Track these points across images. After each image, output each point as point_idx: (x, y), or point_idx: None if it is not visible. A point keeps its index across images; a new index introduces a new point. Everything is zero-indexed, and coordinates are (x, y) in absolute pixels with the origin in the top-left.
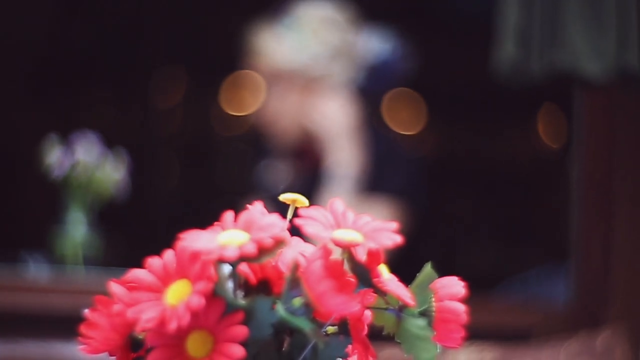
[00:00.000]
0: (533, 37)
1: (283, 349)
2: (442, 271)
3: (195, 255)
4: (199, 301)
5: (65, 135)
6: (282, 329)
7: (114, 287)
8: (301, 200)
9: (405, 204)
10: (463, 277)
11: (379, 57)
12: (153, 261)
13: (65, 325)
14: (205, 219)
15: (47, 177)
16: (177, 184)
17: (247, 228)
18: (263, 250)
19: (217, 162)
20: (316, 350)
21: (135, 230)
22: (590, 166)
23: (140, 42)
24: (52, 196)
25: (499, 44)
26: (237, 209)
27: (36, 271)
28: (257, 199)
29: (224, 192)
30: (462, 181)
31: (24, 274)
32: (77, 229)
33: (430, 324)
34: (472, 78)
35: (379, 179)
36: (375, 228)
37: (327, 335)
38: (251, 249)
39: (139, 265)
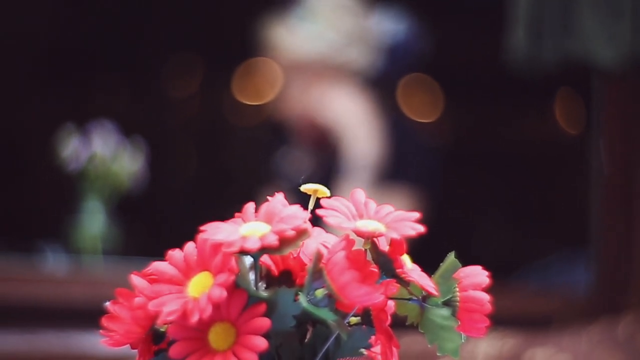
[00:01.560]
0: (545, 25)
1: (306, 341)
2: (461, 258)
3: (216, 247)
4: (220, 293)
5: (81, 124)
6: (305, 321)
7: (135, 279)
8: (323, 190)
9: (424, 191)
10: (482, 264)
11: (394, 38)
12: (174, 253)
13: (84, 316)
14: (223, 209)
15: (64, 168)
16: (193, 173)
17: (268, 219)
18: (285, 242)
19: (233, 150)
20: (339, 341)
21: (153, 220)
22: (611, 153)
23: (154, 30)
24: (69, 187)
25: (511, 32)
26: (255, 198)
27: (54, 262)
28: (275, 188)
29: (241, 181)
30: (479, 167)
31: (42, 265)
32: (94, 220)
33: (454, 313)
34: (487, 63)
35: (398, 167)
36: (397, 218)
37: (350, 326)
38: (273, 240)
39: (157, 256)
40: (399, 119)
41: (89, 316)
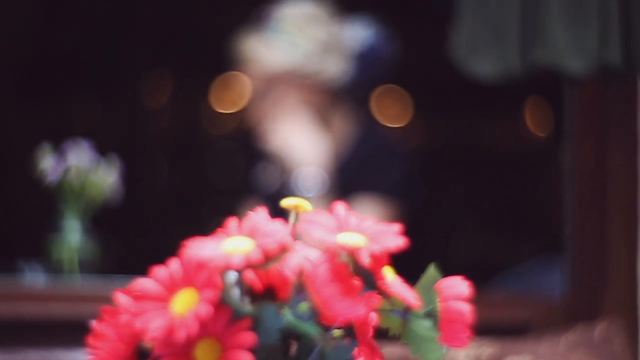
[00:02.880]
0: (513, 34)
1: (290, 354)
2: (436, 266)
3: (201, 264)
4: (207, 310)
5: (55, 139)
6: (289, 334)
7: (120, 296)
8: (304, 205)
9: (399, 199)
10: (456, 271)
11: (366, 44)
12: (158, 270)
13: (65, 333)
14: (201, 222)
15: (40, 185)
16: (169, 185)
17: (251, 234)
18: (269, 257)
19: (208, 162)
20: (323, 354)
21: (131, 234)
22: (583, 158)
23: (126, 44)
24: (46, 204)
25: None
26: (234, 211)
27: (33, 279)
28: (254, 201)
29: (216, 192)
30: (451, 174)
31: (22, 282)
32: (72, 236)
33: (435, 324)
34: (455, 69)
35: (373, 176)
36: (378, 230)
37: (333, 339)
38: (257, 256)
39: (135, 271)
40: (372, 127)
41: (69, 332)
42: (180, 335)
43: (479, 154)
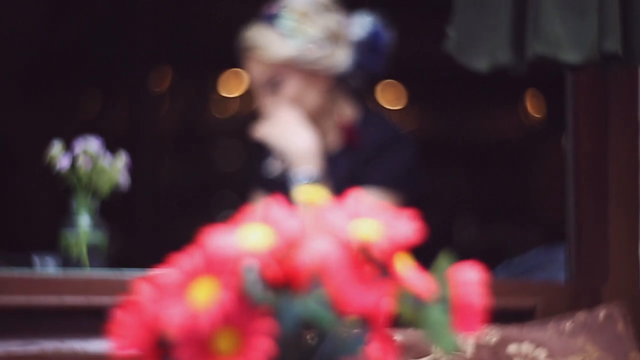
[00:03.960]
0: (507, 28)
1: (306, 341)
2: (447, 253)
3: (222, 254)
4: (229, 299)
5: (61, 132)
6: (304, 323)
7: (141, 285)
8: (319, 193)
9: (407, 187)
10: (459, 259)
11: (368, 32)
12: (177, 259)
13: (78, 322)
14: (208, 210)
15: (49, 179)
16: (174, 176)
17: (268, 223)
18: (287, 246)
19: (212, 151)
20: (337, 342)
21: (140, 225)
22: (584, 146)
23: (130, 38)
24: (55, 197)
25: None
26: (239, 199)
27: (46, 271)
28: (265, 192)
29: (223, 182)
30: (454, 164)
31: (35, 274)
32: (82, 229)
33: (448, 311)
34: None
35: (382, 164)
36: (392, 218)
37: (348, 326)
38: (276, 245)
39: (147, 260)
40: (378, 114)
41: (82, 321)
42: (202, 324)
43: (475, 143)
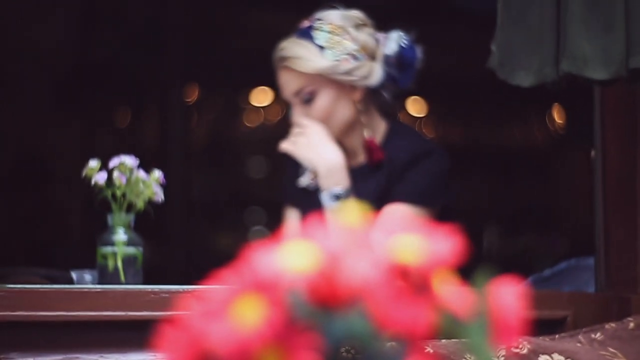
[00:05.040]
0: (548, 46)
1: (348, 358)
2: (487, 266)
3: (268, 272)
4: (276, 317)
5: (96, 147)
6: (346, 339)
7: (187, 301)
8: (356, 211)
9: (435, 201)
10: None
11: (400, 47)
12: (222, 275)
13: (116, 335)
14: (237, 224)
15: (86, 195)
16: (206, 190)
17: (310, 241)
18: (329, 264)
19: (242, 165)
20: (377, 356)
21: (172, 239)
22: (612, 159)
23: (161, 54)
24: (92, 214)
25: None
26: (268, 213)
27: (84, 286)
28: (291, 200)
29: (253, 195)
30: (482, 177)
31: (74, 289)
32: (118, 244)
33: (486, 325)
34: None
35: (411, 177)
36: (432, 234)
37: (387, 342)
38: (319, 263)
39: (180, 274)
40: (408, 128)
41: (119, 334)
42: (250, 341)
43: (499, 154)
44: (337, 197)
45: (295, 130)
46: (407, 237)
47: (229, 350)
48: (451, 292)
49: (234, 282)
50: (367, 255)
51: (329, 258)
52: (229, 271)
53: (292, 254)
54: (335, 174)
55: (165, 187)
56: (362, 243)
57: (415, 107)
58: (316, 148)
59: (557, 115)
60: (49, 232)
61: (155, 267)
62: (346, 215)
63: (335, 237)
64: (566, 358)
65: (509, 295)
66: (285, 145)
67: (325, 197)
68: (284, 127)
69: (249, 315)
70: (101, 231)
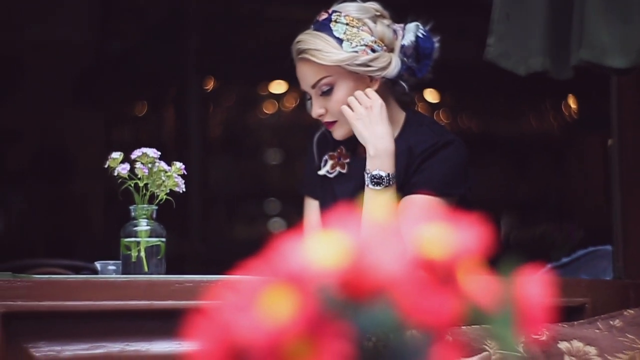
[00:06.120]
0: (564, 35)
1: (374, 349)
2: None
3: (297, 263)
4: (307, 309)
5: (115, 138)
6: (373, 330)
7: (217, 291)
8: (387, 201)
9: (454, 191)
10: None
11: (417, 38)
12: (250, 266)
13: (141, 324)
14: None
15: (108, 187)
16: (233, 188)
17: (338, 233)
18: (357, 256)
19: (260, 158)
20: (402, 347)
21: (197, 230)
22: (629, 148)
23: (178, 48)
24: (115, 205)
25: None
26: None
27: (109, 277)
28: (312, 189)
29: (269, 187)
30: (499, 165)
31: (99, 279)
32: (141, 234)
33: (512, 315)
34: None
35: (429, 168)
36: (460, 228)
37: (414, 334)
38: (348, 255)
39: (201, 264)
40: (426, 118)
41: (144, 324)
42: (281, 333)
43: (515, 143)
44: (379, 181)
45: (363, 103)
46: (433, 228)
47: (258, 341)
48: (477, 282)
49: (263, 273)
50: (393, 247)
51: (357, 250)
52: (256, 262)
53: (321, 246)
54: (383, 158)
55: (190, 177)
56: (389, 234)
57: (431, 96)
58: (373, 127)
59: (573, 104)
60: (70, 224)
61: (176, 257)
62: (379, 205)
63: (362, 229)
64: (585, 344)
65: (534, 284)
66: (348, 112)
67: (367, 179)
68: (299, 117)
69: (279, 307)
70: (122, 222)
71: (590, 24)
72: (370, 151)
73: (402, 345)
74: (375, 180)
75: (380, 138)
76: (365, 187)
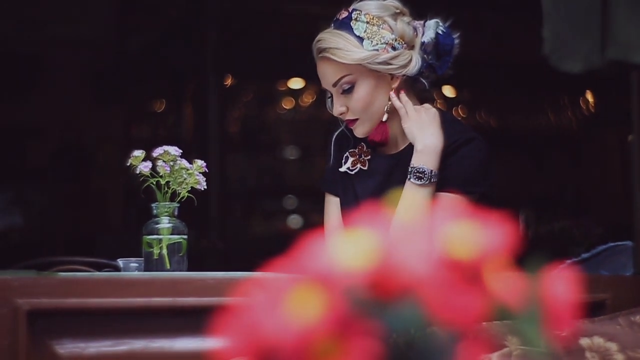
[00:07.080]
0: (595, 32)
1: (402, 348)
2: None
3: (326, 263)
4: (336, 308)
5: (135, 136)
6: (401, 329)
7: (246, 290)
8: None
9: (476, 188)
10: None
11: (437, 35)
12: (278, 265)
13: (164, 321)
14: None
15: (130, 185)
16: (249, 186)
17: (367, 232)
18: (384, 255)
19: (282, 154)
20: (429, 346)
21: (215, 227)
22: None
23: (196, 46)
24: (136, 203)
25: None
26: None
27: (132, 274)
28: (333, 186)
29: (288, 183)
30: (517, 162)
31: (122, 277)
32: (163, 232)
33: (539, 313)
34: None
35: (451, 166)
36: (485, 226)
37: (440, 333)
38: (376, 254)
39: (222, 261)
40: (447, 116)
41: (168, 321)
42: (310, 332)
43: (531, 139)
44: (421, 176)
45: (418, 108)
46: (458, 226)
47: (287, 341)
48: (503, 281)
49: (290, 271)
50: (421, 246)
51: (385, 249)
52: (283, 260)
53: (349, 245)
54: (428, 154)
55: (211, 175)
56: (418, 232)
57: (449, 92)
58: (423, 126)
59: (591, 99)
60: (89, 220)
61: (194, 253)
62: (416, 201)
63: (392, 225)
64: (606, 340)
65: (560, 281)
66: (401, 109)
67: (410, 174)
68: (317, 113)
69: (307, 306)
70: (140, 219)
71: (617, 21)
72: (418, 146)
73: (429, 344)
74: (417, 174)
75: (429, 135)
76: (407, 181)
